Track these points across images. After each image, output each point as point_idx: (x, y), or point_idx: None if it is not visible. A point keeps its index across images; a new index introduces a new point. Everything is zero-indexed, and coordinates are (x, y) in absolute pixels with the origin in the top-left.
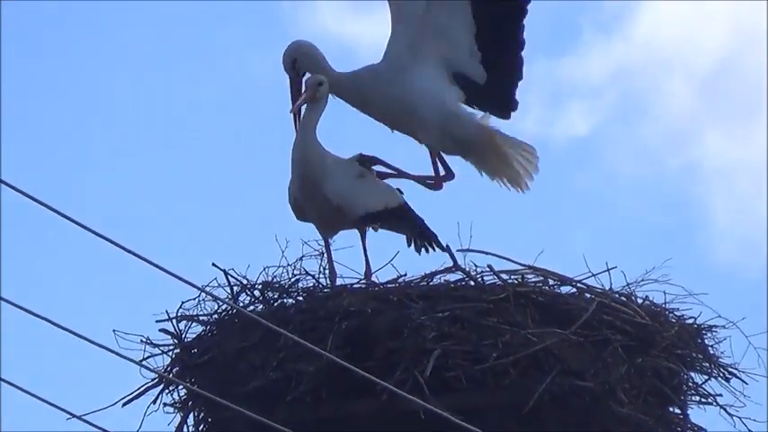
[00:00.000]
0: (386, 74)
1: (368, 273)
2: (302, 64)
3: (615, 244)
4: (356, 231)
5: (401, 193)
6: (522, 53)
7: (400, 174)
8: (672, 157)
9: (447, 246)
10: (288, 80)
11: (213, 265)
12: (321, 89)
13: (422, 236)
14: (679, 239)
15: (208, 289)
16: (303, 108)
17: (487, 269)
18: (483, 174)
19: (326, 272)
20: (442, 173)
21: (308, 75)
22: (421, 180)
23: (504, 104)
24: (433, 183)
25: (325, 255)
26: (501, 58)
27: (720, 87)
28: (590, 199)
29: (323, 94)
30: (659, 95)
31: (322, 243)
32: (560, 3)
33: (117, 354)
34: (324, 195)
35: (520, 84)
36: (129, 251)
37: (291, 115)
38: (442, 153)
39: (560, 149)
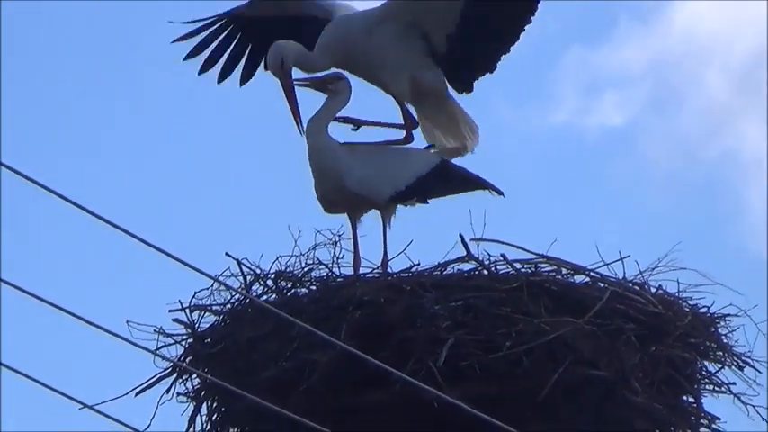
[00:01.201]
0: (357, 26)
1: (384, 261)
2: (288, 61)
3: (647, 234)
4: (378, 217)
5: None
6: (505, 56)
7: (374, 123)
8: (707, 147)
9: (460, 235)
10: (279, 83)
11: (226, 254)
12: (339, 84)
13: (472, 187)
14: (712, 230)
15: (221, 279)
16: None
17: (501, 258)
18: (427, 131)
19: (339, 261)
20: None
21: (296, 72)
22: (392, 126)
23: (461, 85)
24: (404, 136)
25: (352, 242)
26: (480, 49)
27: (757, 78)
28: (623, 189)
29: (340, 89)
30: (695, 86)
31: (335, 232)
32: None
33: (131, 342)
34: (345, 187)
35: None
36: (143, 241)
37: (291, 115)
38: (406, 104)
39: (594, 140)
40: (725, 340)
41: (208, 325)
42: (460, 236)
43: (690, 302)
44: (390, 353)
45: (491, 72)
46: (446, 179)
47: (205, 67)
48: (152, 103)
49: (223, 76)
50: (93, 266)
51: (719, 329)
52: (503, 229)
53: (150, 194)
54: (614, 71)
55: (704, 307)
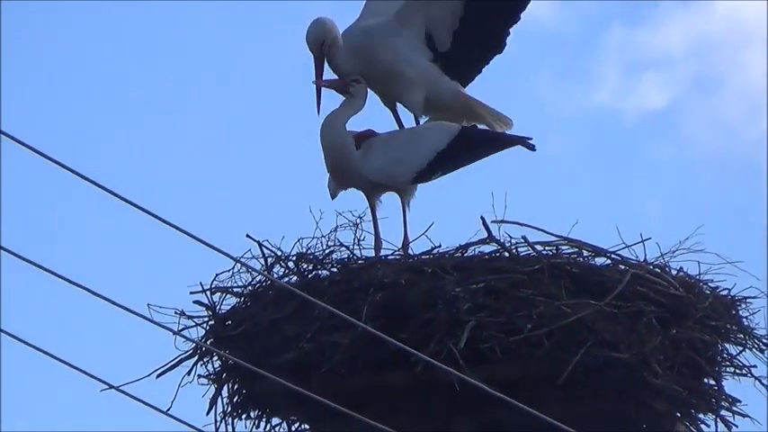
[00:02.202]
0: (378, 37)
1: (405, 243)
2: (329, 43)
3: (690, 215)
4: (397, 200)
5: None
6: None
7: None
8: (749, 128)
9: (482, 217)
10: (312, 58)
11: (247, 236)
12: (358, 87)
13: (502, 146)
14: (756, 211)
15: (242, 260)
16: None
17: (522, 241)
18: None
19: (360, 243)
20: None
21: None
22: None
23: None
24: None
25: (372, 224)
26: (475, 50)
27: None
28: (665, 170)
29: (358, 93)
30: (737, 68)
31: (356, 214)
32: None
33: (153, 322)
34: (365, 178)
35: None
36: (165, 221)
37: (314, 88)
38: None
39: (635, 121)
40: (746, 323)
41: (229, 307)
42: (482, 218)
43: (711, 285)
44: (411, 335)
45: (479, 73)
46: (469, 146)
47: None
48: (176, 87)
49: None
50: (116, 247)
51: (740, 312)
52: (530, 209)
53: (173, 176)
54: (655, 52)
55: (725, 289)
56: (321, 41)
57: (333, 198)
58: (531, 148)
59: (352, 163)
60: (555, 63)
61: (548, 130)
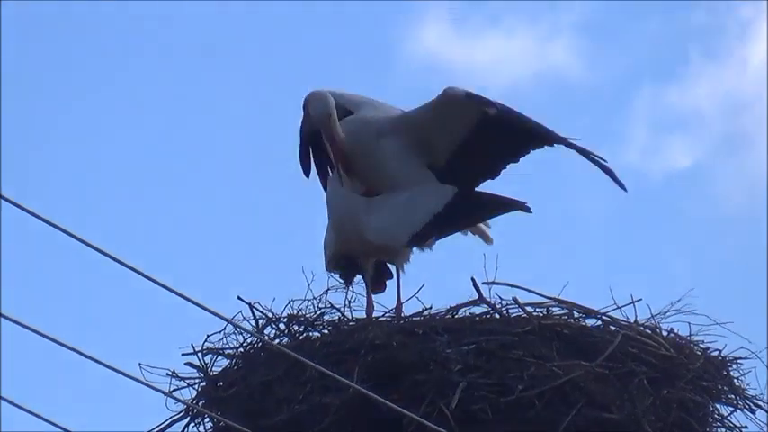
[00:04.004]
0: (374, 130)
1: (398, 306)
2: (334, 114)
3: (716, 273)
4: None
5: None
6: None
7: None
8: None
9: (472, 278)
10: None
11: (239, 298)
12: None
13: (499, 210)
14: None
15: (234, 321)
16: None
17: (512, 302)
18: None
19: (351, 305)
20: None
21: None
22: None
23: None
24: None
25: (365, 287)
26: (469, 174)
27: None
28: (691, 230)
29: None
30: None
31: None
32: (669, 27)
33: (145, 384)
34: (365, 239)
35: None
36: (156, 282)
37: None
38: None
39: (661, 181)
40: (737, 383)
41: (220, 368)
42: (472, 279)
43: (701, 345)
44: (403, 396)
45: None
46: (464, 210)
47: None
48: (166, 145)
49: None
50: (108, 308)
51: (731, 372)
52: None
53: (164, 237)
54: (685, 110)
55: (716, 350)
56: (328, 113)
57: (329, 269)
58: (528, 210)
59: (354, 221)
60: (583, 120)
61: (574, 188)
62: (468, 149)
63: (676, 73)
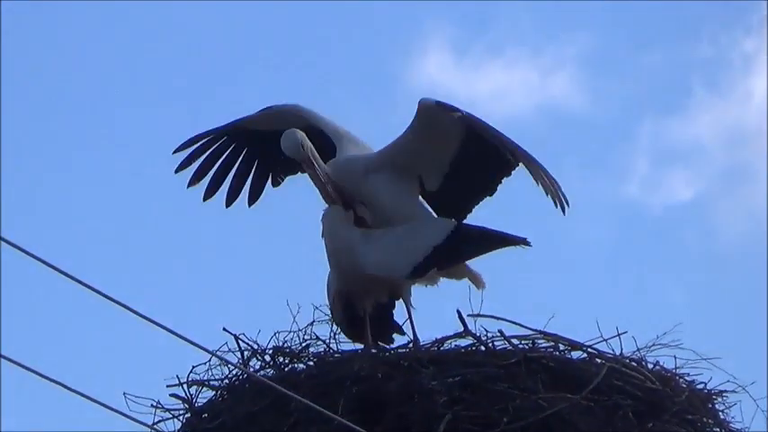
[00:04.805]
0: (362, 168)
1: (415, 345)
2: (307, 146)
3: (714, 307)
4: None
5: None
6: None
7: None
8: None
9: (458, 311)
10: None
11: (224, 329)
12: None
13: (499, 244)
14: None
15: (219, 354)
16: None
17: (498, 334)
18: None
19: (337, 337)
20: None
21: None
22: None
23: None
24: None
25: (366, 324)
26: (466, 194)
27: None
28: (690, 263)
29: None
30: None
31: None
32: (672, 60)
33: (128, 417)
34: (364, 271)
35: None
36: (141, 315)
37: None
38: None
39: (661, 214)
40: (722, 416)
41: (205, 400)
42: (458, 312)
43: (687, 379)
44: (388, 428)
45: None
46: (465, 243)
47: (210, 191)
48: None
49: (231, 197)
50: (92, 340)
51: (717, 406)
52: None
53: (149, 269)
54: (687, 143)
55: (701, 383)
56: (300, 144)
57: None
58: (528, 245)
59: (352, 253)
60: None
61: (575, 219)
62: (459, 167)
63: (679, 105)
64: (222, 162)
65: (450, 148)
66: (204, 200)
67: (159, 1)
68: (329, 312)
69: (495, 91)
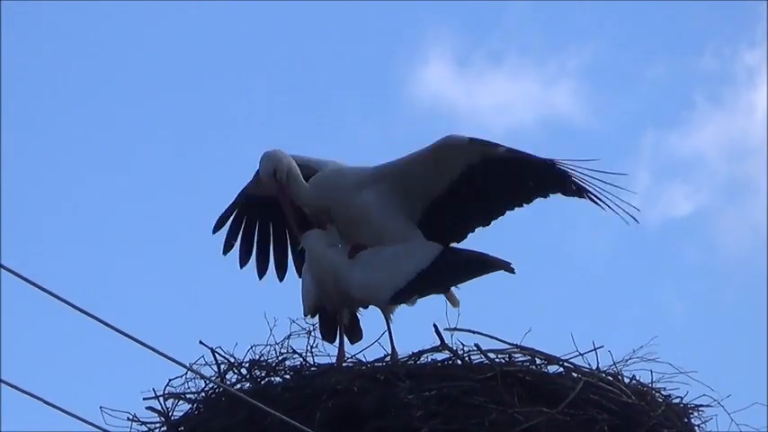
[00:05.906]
0: (351, 181)
1: (394, 357)
2: (281, 173)
3: (714, 320)
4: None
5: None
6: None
7: None
8: None
9: (434, 325)
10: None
11: (200, 342)
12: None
13: (483, 269)
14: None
15: (195, 367)
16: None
17: (475, 348)
18: None
19: (313, 350)
20: None
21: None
22: None
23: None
24: None
25: (338, 338)
26: (457, 224)
27: None
28: (690, 275)
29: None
30: None
31: (310, 321)
32: (675, 73)
33: (104, 430)
34: (347, 293)
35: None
36: (117, 329)
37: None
38: None
39: (661, 227)
40: (698, 431)
41: (182, 413)
42: (435, 325)
43: (663, 393)
44: None
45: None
46: (449, 269)
47: (243, 261)
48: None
49: (261, 272)
50: (68, 354)
51: (693, 420)
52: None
53: (125, 282)
54: (688, 156)
55: (678, 397)
56: (272, 171)
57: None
58: (512, 271)
59: (335, 275)
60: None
61: (575, 231)
62: (462, 194)
63: (681, 118)
64: (243, 236)
65: (458, 176)
66: (241, 267)
67: (160, 1)
68: (306, 323)
69: (496, 102)
